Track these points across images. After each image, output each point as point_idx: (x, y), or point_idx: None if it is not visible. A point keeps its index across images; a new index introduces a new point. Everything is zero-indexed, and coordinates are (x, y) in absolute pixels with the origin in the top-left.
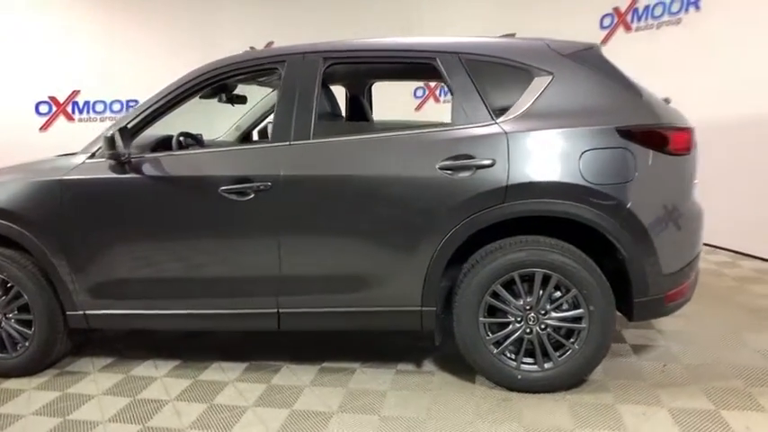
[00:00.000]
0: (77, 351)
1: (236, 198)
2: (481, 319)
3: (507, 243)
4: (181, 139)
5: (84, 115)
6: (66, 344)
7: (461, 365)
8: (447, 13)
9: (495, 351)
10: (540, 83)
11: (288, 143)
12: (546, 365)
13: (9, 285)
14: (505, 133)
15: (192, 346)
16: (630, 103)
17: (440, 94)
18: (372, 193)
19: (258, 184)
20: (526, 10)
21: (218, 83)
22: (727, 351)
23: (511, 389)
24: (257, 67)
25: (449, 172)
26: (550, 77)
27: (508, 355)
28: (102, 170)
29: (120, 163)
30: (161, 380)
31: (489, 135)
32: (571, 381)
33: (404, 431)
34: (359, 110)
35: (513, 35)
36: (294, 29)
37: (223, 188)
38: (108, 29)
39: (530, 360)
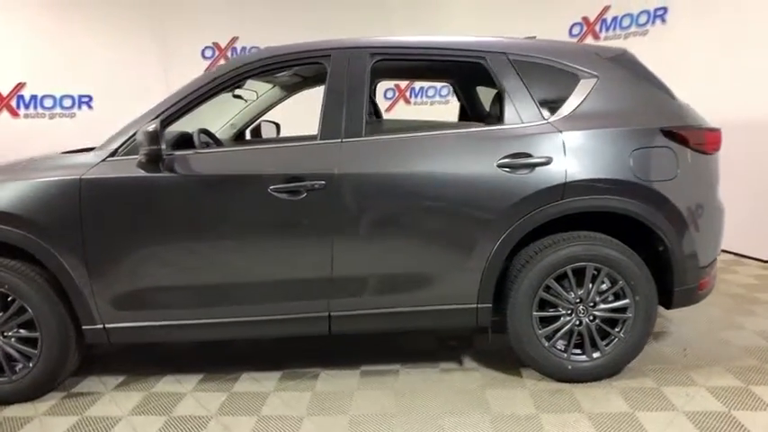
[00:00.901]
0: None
1: (287, 198)
2: (534, 313)
3: (561, 239)
4: (201, 135)
5: (32, 111)
6: (75, 362)
7: (498, 361)
8: (420, 18)
9: (547, 344)
10: (586, 85)
11: (339, 140)
12: (594, 355)
13: (10, 299)
14: (560, 132)
15: (202, 357)
16: (667, 104)
17: (410, 96)
18: (430, 191)
19: (311, 182)
20: (497, 17)
21: (257, 75)
22: (731, 333)
23: (561, 380)
24: (300, 61)
25: (507, 169)
26: (596, 80)
27: (558, 347)
28: (128, 168)
29: (154, 161)
30: (191, 395)
31: (544, 134)
32: (616, 369)
33: (472, 428)
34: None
35: (533, 38)
36: (258, 24)
37: (273, 187)
38: (59, 17)
39: (578, 351)
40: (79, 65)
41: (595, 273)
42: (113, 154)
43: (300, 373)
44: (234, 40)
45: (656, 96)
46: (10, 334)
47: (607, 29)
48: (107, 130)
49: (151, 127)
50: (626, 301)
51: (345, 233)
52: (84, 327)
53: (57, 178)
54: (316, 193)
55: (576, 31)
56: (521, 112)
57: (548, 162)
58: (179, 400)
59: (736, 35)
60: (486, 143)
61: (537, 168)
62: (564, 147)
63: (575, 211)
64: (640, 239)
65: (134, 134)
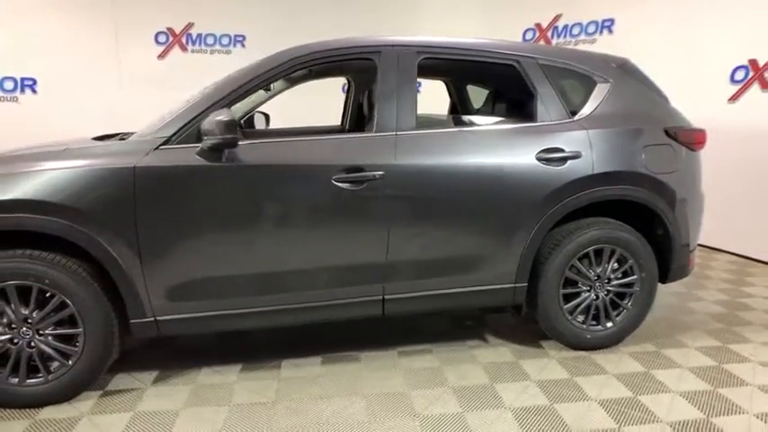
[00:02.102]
0: None
1: (348, 187)
2: (561, 291)
3: (585, 224)
4: (241, 123)
5: None
6: (113, 357)
7: (515, 336)
8: (381, 17)
9: (570, 317)
10: (602, 88)
11: (394, 133)
12: (608, 325)
13: (48, 295)
14: (586, 129)
15: (219, 347)
16: (665, 107)
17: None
18: (478, 181)
19: (371, 173)
20: (455, 19)
21: (310, 66)
22: (695, 304)
23: (580, 348)
24: (352, 55)
25: (544, 162)
26: (609, 84)
27: (578, 320)
28: (186, 157)
29: (217, 149)
30: (240, 384)
31: (573, 131)
32: (623, 336)
33: (524, 394)
34: None
35: None
36: (215, 11)
37: (335, 177)
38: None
39: (593, 322)
40: (23, 46)
41: (610, 253)
42: (167, 142)
43: (340, 356)
44: (189, 26)
45: (655, 100)
46: (48, 331)
47: (558, 35)
48: (52, 116)
49: (228, 116)
50: (634, 277)
51: (400, 221)
52: (132, 320)
53: (109, 167)
54: (375, 182)
55: (529, 35)
56: (550, 111)
57: (577, 156)
58: (231, 389)
59: (675, 47)
60: (524, 138)
61: (568, 161)
62: (590, 142)
63: (600, 199)
64: (642, 224)
65: (190, 122)
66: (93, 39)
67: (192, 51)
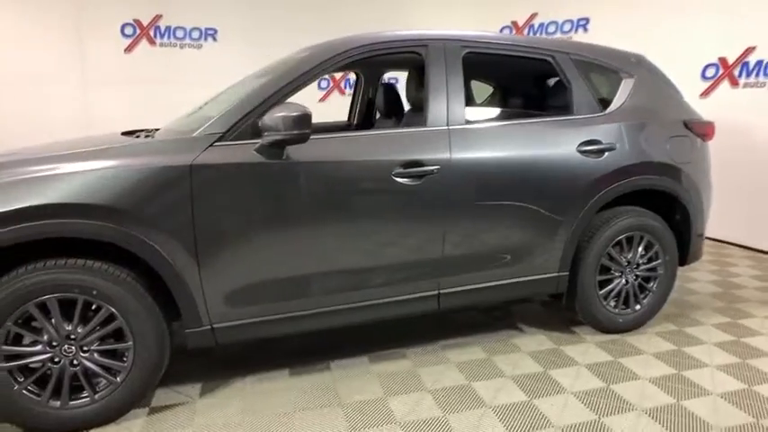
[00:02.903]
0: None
1: (407, 182)
2: (597, 277)
3: (619, 212)
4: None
5: None
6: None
7: (546, 324)
8: (349, 13)
9: (604, 303)
10: (627, 83)
11: (447, 128)
12: (636, 308)
13: (95, 307)
14: (619, 123)
15: (256, 353)
16: (681, 101)
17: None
18: (527, 173)
19: (429, 167)
20: (434, 15)
21: (359, 59)
22: (694, 285)
23: (612, 331)
24: (399, 49)
25: (584, 154)
26: (634, 79)
27: (611, 304)
28: (244, 153)
29: (280, 145)
30: (292, 387)
31: (607, 124)
32: (650, 317)
33: (577, 378)
34: None
35: None
36: (183, 2)
37: (395, 172)
38: None
39: (623, 306)
40: None
41: (639, 239)
42: (221, 138)
43: (387, 354)
44: (157, 18)
45: (672, 94)
46: (93, 347)
47: (534, 33)
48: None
49: (301, 111)
50: (659, 261)
51: (455, 215)
52: (188, 330)
53: (164, 165)
54: (432, 177)
55: (505, 33)
56: (584, 105)
57: (613, 148)
58: (286, 394)
59: (649, 45)
60: (566, 130)
61: (605, 153)
62: (623, 135)
63: (634, 188)
64: (662, 211)
65: (244, 118)
66: (53, 30)
67: (161, 45)
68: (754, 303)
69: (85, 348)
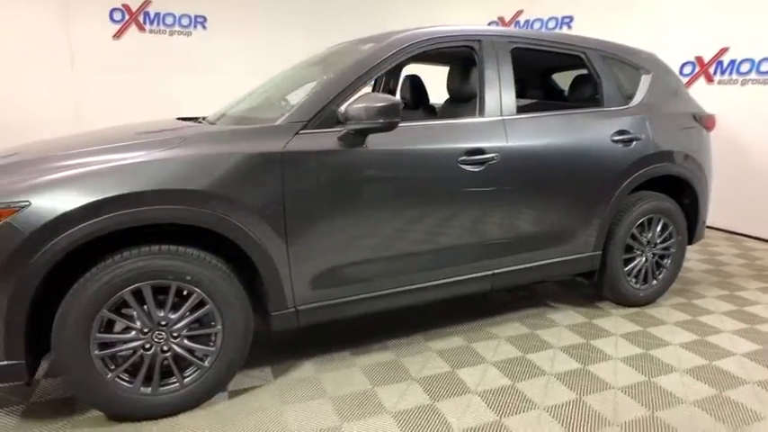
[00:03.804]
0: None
1: (470, 169)
2: (623, 256)
3: (642, 196)
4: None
5: None
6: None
7: (572, 301)
8: (337, 5)
9: (628, 279)
10: (646, 79)
11: (501, 118)
12: (653, 283)
13: (186, 293)
14: (643, 115)
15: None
16: (688, 95)
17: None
18: (570, 160)
19: (490, 155)
20: (422, 11)
21: (420, 52)
22: (687, 263)
23: (634, 305)
24: (457, 43)
25: (616, 143)
26: (651, 75)
27: (633, 280)
28: (326, 141)
29: (364, 134)
30: (359, 367)
31: (635, 116)
32: (664, 291)
33: (616, 347)
34: None
35: None
36: None
37: (460, 159)
38: None
39: (643, 282)
40: None
41: (658, 221)
42: (305, 126)
43: (442, 332)
44: (146, 3)
45: (682, 89)
46: (184, 333)
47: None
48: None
49: (388, 101)
50: (672, 240)
51: (511, 199)
52: (274, 312)
53: (257, 152)
54: (492, 164)
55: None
56: (613, 98)
57: (639, 137)
58: (354, 374)
59: (628, 43)
60: (601, 121)
61: (633, 142)
62: (646, 126)
63: (656, 174)
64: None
65: (326, 107)
66: (40, 14)
67: (150, 32)
68: (743, 278)
69: (175, 334)
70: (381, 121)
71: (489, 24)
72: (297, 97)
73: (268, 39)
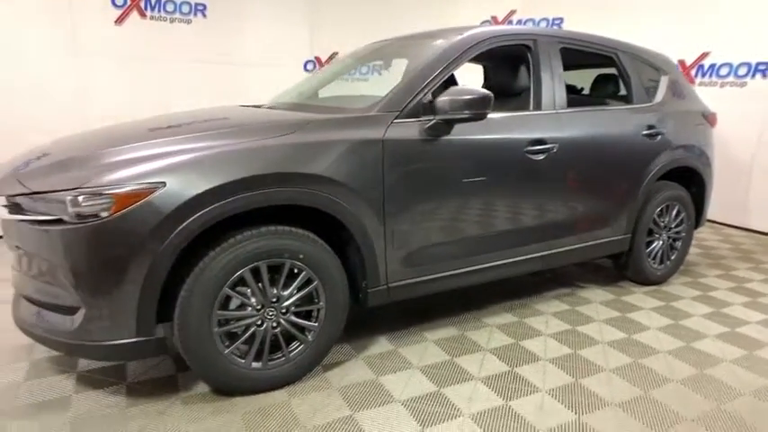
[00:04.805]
0: None
1: (534, 158)
2: (646, 238)
3: (663, 185)
4: None
5: None
6: None
7: (593, 281)
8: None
9: (648, 260)
10: (665, 79)
11: (555, 111)
12: (667, 263)
13: (296, 271)
14: (665, 112)
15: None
16: (697, 96)
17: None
18: (613, 150)
19: (550, 145)
20: (413, 12)
21: (488, 49)
22: None
23: (652, 283)
24: (518, 41)
25: (646, 136)
26: (668, 76)
27: (650, 261)
28: (416, 129)
29: (449, 123)
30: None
31: (659, 112)
32: (675, 271)
33: (645, 316)
34: None
35: None
36: None
37: (526, 149)
38: None
39: (660, 262)
40: None
41: (673, 207)
42: (398, 116)
43: (497, 309)
44: None
45: (691, 89)
46: (293, 309)
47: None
48: None
49: (480, 94)
50: (684, 225)
51: (564, 186)
52: (370, 289)
53: (363, 139)
54: (552, 153)
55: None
56: (640, 96)
57: (663, 132)
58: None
59: None
60: (635, 116)
61: (658, 136)
62: (668, 122)
63: (675, 166)
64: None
65: (414, 98)
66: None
67: (152, 18)
68: (731, 260)
69: (284, 311)
70: (473, 111)
71: (482, 23)
72: (374, 88)
73: (268, 28)
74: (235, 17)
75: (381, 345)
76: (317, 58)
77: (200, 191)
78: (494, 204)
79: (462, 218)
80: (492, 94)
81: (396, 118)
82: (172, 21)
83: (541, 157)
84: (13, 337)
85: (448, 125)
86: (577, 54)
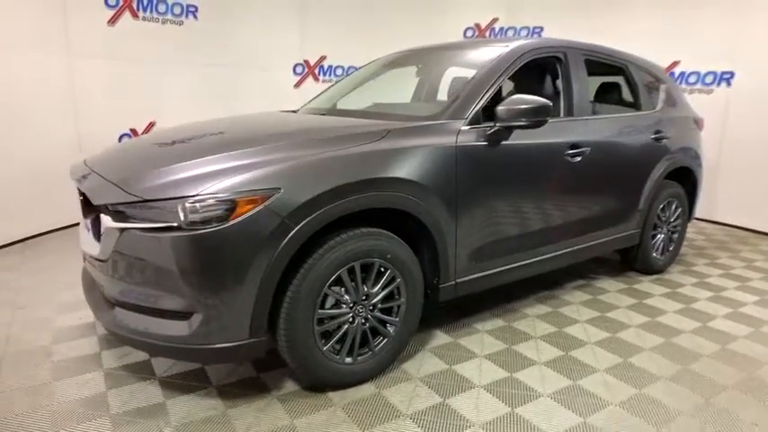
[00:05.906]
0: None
1: (572, 160)
2: (652, 232)
3: (665, 184)
4: None
5: None
6: None
7: (603, 272)
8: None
9: (652, 252)
10: (664, 88)
11: (585, 117)
12: (667, 254)
13: (382, 270)
14: (666, 118)
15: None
16: (688, 103)
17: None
18: (632, 153)
19: (584, 148)
20: (399, 19)
21: (531, 60)
22: None
23: (655, 273)
24: (554, 52)
25: (654, 141)
26: (667, 85)
27: (656, 253)
28: (480, 135)
29: (508, 130)
30: (487, 333)
31: (662, 118)
32: (673, 261)
33: (663, 304)
34: None
35: None
36: None
37: (566, 152)
38: None
39: (661, 253)
40: None
41: (674, 203)
42: (465, 123)
43: (529, 302)
44: None
45: (684, 98)
46: (379, 306)
47: (495, 35)
48: None
49: (539, 103)
50: (681, 219)
51: (595, 186)
52: (442, 285)
53: (441, 144)
54: (586, 156)
55: (469, 33)
56: (646, 103)
57: (667, 137)
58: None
59: None
60: (645, 122)
61: (663, 140)
62: (670, 127)
63: (677, 166)
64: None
65: (475, 106)
66: None
67: (144, 19)
68: (713, 250)
69: (371, 308)
70: (533, 119)
71: (466, 30)
72: (427, 94)
73: (258, 32)
74: (226, 20)
75: (440, 338)
76: (306, 62)
77: (314, 194)
78: (543, 202)
79: (518, 215)
80: (551, 103)
81: (464, 125)
82: (164, 22)
83: (578, 159)
84: (25, 342)
85: (508, 131)
86: (594, 65)
